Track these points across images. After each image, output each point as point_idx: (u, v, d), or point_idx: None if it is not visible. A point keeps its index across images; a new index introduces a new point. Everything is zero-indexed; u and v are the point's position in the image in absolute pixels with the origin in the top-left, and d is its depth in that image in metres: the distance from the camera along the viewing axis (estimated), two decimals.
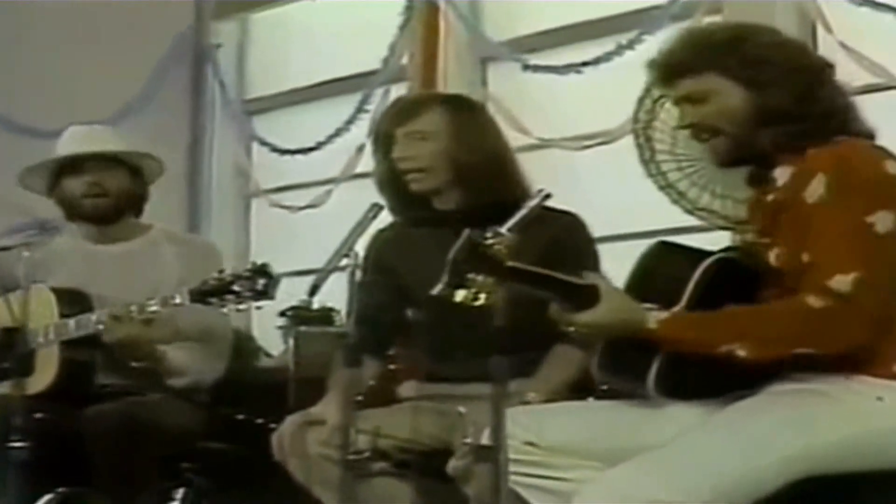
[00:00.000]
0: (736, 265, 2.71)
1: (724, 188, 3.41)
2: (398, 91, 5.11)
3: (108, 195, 3.88)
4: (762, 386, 2.63)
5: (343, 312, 3.62)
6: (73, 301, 3.71)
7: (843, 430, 2.53)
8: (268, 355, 4.86)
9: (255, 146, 5.87)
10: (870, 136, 2.71)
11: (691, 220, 3.75)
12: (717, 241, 3.27)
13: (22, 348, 3.37)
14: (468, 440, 2.76)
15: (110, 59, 5.97)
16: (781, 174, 2.66)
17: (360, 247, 2.98)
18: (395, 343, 3.60)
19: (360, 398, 2.94)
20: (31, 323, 3.45)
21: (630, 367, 2.67)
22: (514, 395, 2.74)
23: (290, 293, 3.68)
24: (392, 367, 3.70)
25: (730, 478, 2.48)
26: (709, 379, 2.62)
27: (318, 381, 3.34)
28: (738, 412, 2.59)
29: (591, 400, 3.05)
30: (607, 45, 4.58)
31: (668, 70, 2.75)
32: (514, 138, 3.81)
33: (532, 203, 2.70)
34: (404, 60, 5.21)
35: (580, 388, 3.16)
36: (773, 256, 2.66)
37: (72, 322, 3.64)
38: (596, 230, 3.39)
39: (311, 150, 5.50)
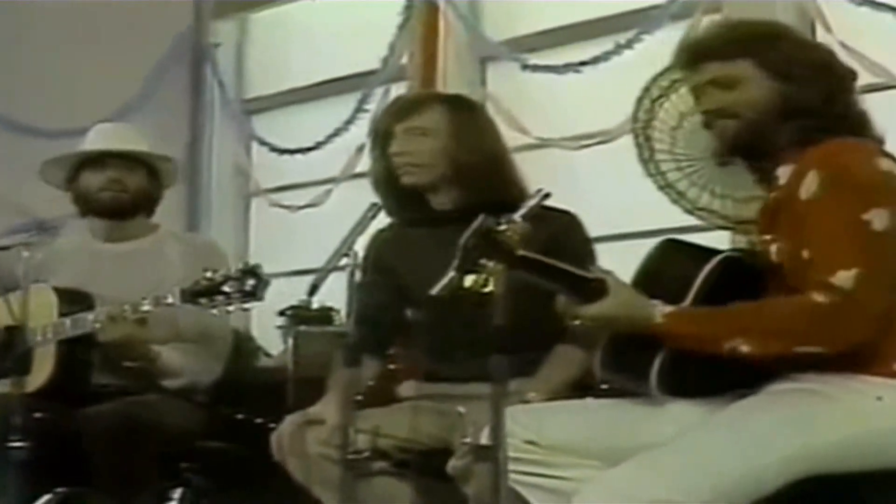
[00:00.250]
0: (742, 264, 2.72)
1: (723, 188, 3.41)
2: (398, 91, 5.11)
3: (125, 192, 3.92)
4: (763, 385, 2.63)
5: (342, 312, 3.62)
6: (74, 300, 3.72)
7: (843, 429, 2.53)
8: (267, 355, 4.86)
9: (255, 146, 5.87)
10: (880, 141, 2.73)
11: (691, 220, 3.75)
12: (716, 240, 3.27)
13: (20, 347, 3.37)
14: (468, 440, 2.76)
15: (110, 59, 5.97)
16: (783, 173, 2.67)
17: (360, 246, 2.98)
18: (395, 343, 3.60)
19: (359, 398, 2.94)
20: (30, 322, 3.45)
21: (632, 364, 2.67)
22: (513, 394, 2.74)
23: (290, 293, 3.69)
24: (391, 366, 3.70)
25: (730, 477, 2.48)
26: (711, 377, 2.63)
27: (318, 381, 3.34)
28: (738, 411, 2.59)
29: (590, 399, 3.05)
30: (606, 44, 4.58)
31: (701, 51, 2.77)
32: (513, 138, 3.81)
33: (532, 201, 2.70)
34: (404, 60, 5.21)
35: (580, 388, 3.16)
36: (774, 253, 2.67)
37: (68, 321, 3.65)
38: (595, 230, 3.39)
39: (310, 149, 5.50)
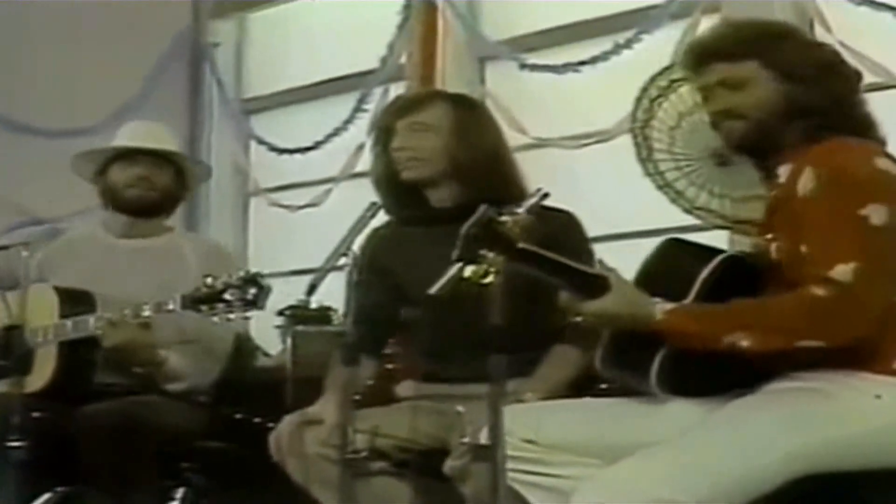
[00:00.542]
0: (744, 264, 2.73)
1: (721, 188, 3.40)
2: (396, 90, 5.12)
3: (152, 190, 3.95)
4: (762, 384, 2.63)
5: (341, 312, 3.62)
6: (75, 301, 3.71)
7: (843, 428, 2.54)
8: (266, 355, 4.86)
9: (254, 145, 5.87)
10: (882, 142, 2.74)
11: (689, 220, 3.74)
12: (714, 240, 3.27)
13: (20, 347, 3.37)
14: (466, 439, 2.76)
15: (109, 59, 5.97)
16: (784, 172, 2.68)
17: (358, 246, 2.99)
18: (393, 342, 3.60)
19: (358, 398, 2.94)
20: (31, 322, 3.46)
21: (633, 361, 2.67)
22: (511, 394, 2.74)
23: (289, 293, 3.68)
24: (390, 366, 3.70)
25: (729, 475, 2.48)
26: (711, 376, 2.63)
27: (316, 381, 3.34)
28: (737, 410, 2.60)
29: (589, 398, 3.05)
30: (605, 44, 4.58)
31: (708, 52, 2.78)
32: (511, 137, 3.81)
33: (531, 201, 2.70)
34: (403, 60, 5.21)
35: (578, 388, 3.16)
36: (773, 251, 2.67)
37: (70, 323, 3.65)
38: (593, 229, 3.39)
39: (309, 149, 5.50)
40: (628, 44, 4.49)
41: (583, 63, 4.64)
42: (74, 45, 6.15)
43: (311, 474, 3.12)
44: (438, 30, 5.12)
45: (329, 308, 4.38)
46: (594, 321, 2.67)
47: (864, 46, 3.95)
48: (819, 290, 2.52)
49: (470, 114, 3.44)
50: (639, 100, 3.76)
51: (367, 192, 3.41)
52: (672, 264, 2.75)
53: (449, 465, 2.93)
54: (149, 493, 3.56)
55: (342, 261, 2.92)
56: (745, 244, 3.01)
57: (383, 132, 3.44)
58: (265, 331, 4.76)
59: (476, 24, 5.16)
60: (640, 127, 3.64)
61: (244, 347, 4.51)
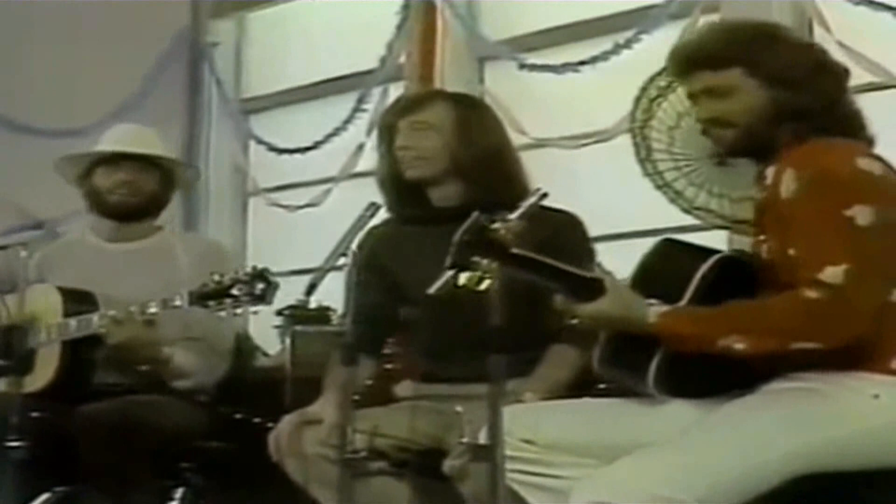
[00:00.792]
0: (740, 264, 2.73)
1: (720, 187, 3.40)
2: (396, 90, 5.12)
3: (136, 194, 3.93)
4: (760, 384, 2.63)
5: (340, 312, 3.62)
6: (78, 301, 3.71)
7: (841, 427, 2.54)
8: (265, 355, 4.86)
9: (253, 145, 5.87)
10: (870, 142, 2.73)
11: (688, 219, 3.74)
12: (713, 240, 3.27)
13: (20, 347, 3.37)
14: (465, 439, 2.76)
15: (108, 58, 5.97)
16: (770, 173, 2.67)
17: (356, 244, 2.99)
18: (392, 342, 3.60)
19: (357, 397, 2.94)
20: (34, 322, 3.46)
21: (630, 362, 2.67)
22: (510, 394, 2.74)
23: (288, 293, 3.68)
24: (389, 366, 3.70)
25: (728, 475, 2.49)
26: (708, 376, 2.63)
27: (315, 381, 3.34)
28: (736, 410, 2.60)
29: (588, 398, 3.05)
30: (605, 44, 4.58)
31: (693, 60, 2.76)
32: (511, 137, 3.80)
33: (530, 201, 2.70)
34: (402, 59, 5.21)
35: (577, 388, 3.16)
36: (765, 252, 2.67)
37: (73, 322, 3.65)
38: (592, 229, 3.39)
39: (308, 149, 5.50)
40: (628, 44, 4.48)
41: (582, 63, 4.63)
42: (74, 46, 6.15)
43: (310, 474, 3.12)
44: (437, 29, 5.11)
45: (328, 308, 4.38)
46: (589, 324, 2.66)
47: (863, 46, 3.95)
48: (811, 293, 2.51)
49: (472, 112, 3.44)
50: (638, 100, 3.76)
51: (366, 192, 3.40)
52: (667, 265, 2.75)
53: (448, 464, 2.93)
54: (148, 493, 3.56)
55: (341, 261, 2.92)
56: (744, 244, 3.00)
57: (386, 132, 3.44)
58: (264, 331, 4.76)
59: (475, 23, 5.16)
60: (639, 127, 3.64)
61: (243, 347, 4.52)
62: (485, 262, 2.52)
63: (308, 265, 3.55)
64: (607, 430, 2.73)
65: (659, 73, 3.44)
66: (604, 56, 4.56)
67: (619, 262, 2.80)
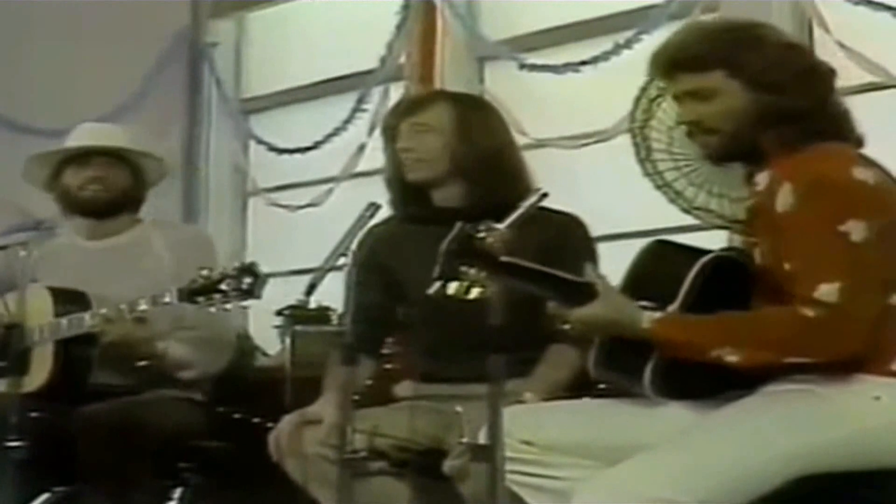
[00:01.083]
0: (733, 264, 2.71)
1: (720, 187, 3.41)
2: (396, 90, 5.12)
3: (107, 190, 3.93)
4: (759, 386, 2.63)
5: (340, 311, 3.62)
6: (69, 300, 3.71)
7: (842, 428, 2.54)
8: (265, 354, 4.86)
9: (252, 145, 5.86)
10: (859, 143, 2.71)
11: (688, 219, 3.75)
12: (713, 240, 3.27)
13: (18, 347, 3.37)
14: (464, 439, 2.76)
15: (107, 58, 5.96)
16: (762, 179, 2.65)
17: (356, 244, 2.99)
18: (392, 341, 3.60)
19: (356, 397, 2.94)
20: (27, 322, 3.45)
21: (626, 366, 2.67)
22: (510, 394, 2.74)
23: (288, 293, 3.68)
24: (389, 366, 3.70)
25: (730, 476, 2.49)
26: (705, 379, 2.62)
27: (315, 381, 3.34)
28: (737, 411, 2.60)
29: (587, 399, 3.05)
30: (605, 44, 4.57)
31: (675, 64, 2.73)
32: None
33: (529, 202, 2.70)
34: (402, 59, 5.20)
35: (577, 388, 3.16)
36: (758, 256, 2.66)
37: (64, 322, 3.65)
38: (592, 229, 3.39)
39: (308, 149, 5.49)
40: (628, 44, 4.48)
41: (582, 63, 4.63)
42: (73, 45, 6.14)
43: (309, 474, 3.12)
44: (437, 29, 5.11)
45: (328, 308, 4.37)
46: (581, 328, 2.65)
47: (863, 46, 3.95)
48: (807, 311, 2.50)
49: (473, 113, 3.44)
50: (638, 100, 3.76)
51: (367, 192, 3.40)
52: (660, 266, 2.73)
53: (448, 464, 2.93)
54: (147, 493, 3.56)
55: (341, 261, 2.92)
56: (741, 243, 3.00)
57: (388, 133, 3.46)
58: (264, 331, 4.76)
59: (475, 23, 5.15)
60: (639, 127, 3.65)
61: (243, 347, 4.52)
62: (472, 271, 2.51)
63: (308, 265, 3.54)
64: (607, 430, 2.72)
65: None
66: (604, 56, 4.55)
67: (619, 262, 2.79)
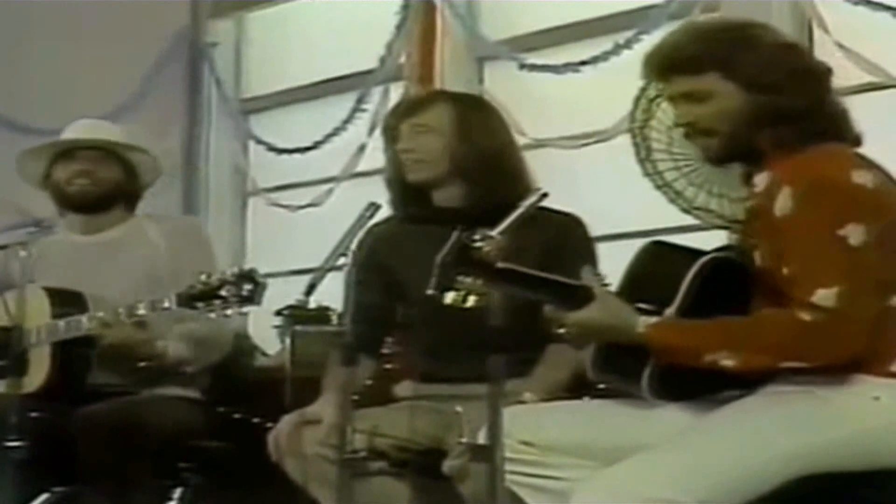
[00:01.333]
0: (731, 264, 2.70)
1: (720, 187, 3.41)
2: (396, 90, 5.12)
3: (95, 184, 3.92)
4: (759, 386, 2.63)
5: (340, 311, 3.62)
6: (66, 301, 3.71)
7: (841, 429, 2.54)
8: (264, 354, 4.86)
9: (252, 145, 5.87)
10: (857, 142, 2.70)
11: (688, 219, 3.75)
12: (713, 240, 3.27)
13: (16, 348, 3.37)
14: (464, 439, 2.76)
15: (107, 58, 5.97)
16: (760, 181, 2.64)
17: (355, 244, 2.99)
18: (392, 341, 3.60)
19: (356, 397, 2.94)
20: (25, 323, 3.45)
21: (623, 368, 2.66)
22: (509, 394, 2.74)
23: (288, 292, 3.68)
24: (388, 366, 3.70)
25: (730, 476, 2.48)
26: (703, 382, 2.62)
27: (315, 381, 3.34)
28: (737, 411, 2.59)
29: (586, 399, 3.05)
30: (605, 44, 4.58)
31: (669, 65, 2.71)
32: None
33: (528, 202, 2.70)
34: (401, 59, 5.21)
35: (576, 388, 3.16)
36: (757, 258, 2.66)
37: (62, 324, 3.64)
38: (592, 229, 3.39)
39: (308, 149, 5.49)
40: (628, 44, 4.48)
41: (582, 63, 4.63)
42: (73, 45, 6.14)
43: (309, 474, 3.12)
44: (437, 29, 5.11)
45: (328, 308, 4.37)
46: (577, 332, 2.64)
47: (862, 46, 3.95)
48: (804, 316, 2.49)
49: (473, 113, 3.44)
50: (637, 100, 3.77)
51: (367, 192, 3.40)
52: (657, 267, 2.72)
53: (447, 464, 2.93)
54: (147, 493, 3.56)
55: (341, 261, 2.92)
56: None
57: (388, 134, 3.46)
58: (264, 331, 4.76)
59: (475, 23, 5.16)
60: (638, 127, 3.66)
61: (243, 347, 4.52)
62: (469, 280, 2.51)
63: (308, 265, 3.54)
64: (607, 431, 2.72)
65: None
66: (604, 56, 4.56)
67: (619, 262, 2.79)
